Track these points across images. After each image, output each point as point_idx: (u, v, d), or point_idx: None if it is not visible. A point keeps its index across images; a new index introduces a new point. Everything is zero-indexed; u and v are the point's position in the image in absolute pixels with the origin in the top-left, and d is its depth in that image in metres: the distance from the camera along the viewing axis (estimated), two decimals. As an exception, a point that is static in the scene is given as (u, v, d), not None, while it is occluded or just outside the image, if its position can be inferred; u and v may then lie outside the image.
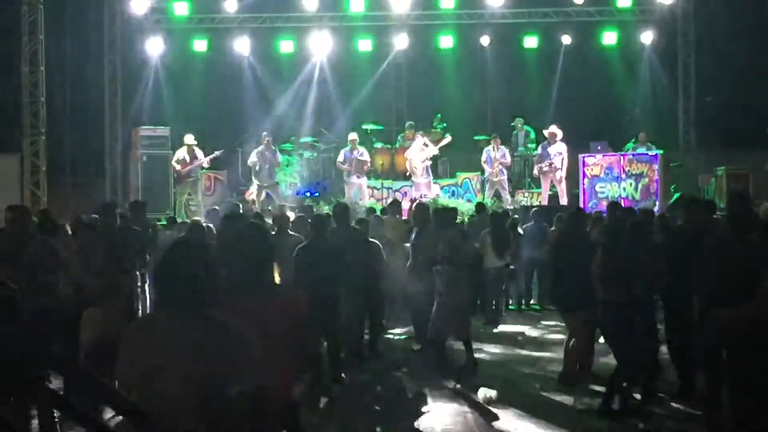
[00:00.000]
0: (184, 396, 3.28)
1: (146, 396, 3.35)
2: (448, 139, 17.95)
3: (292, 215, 11.93)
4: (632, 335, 7.30)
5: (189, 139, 17.03)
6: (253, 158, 17.12)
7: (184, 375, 3.29)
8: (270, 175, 17.20)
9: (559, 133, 16.96)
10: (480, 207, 14.10)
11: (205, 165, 17.32)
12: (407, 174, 17.57)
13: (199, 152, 17.05)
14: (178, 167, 16.98)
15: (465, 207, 15.93)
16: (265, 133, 17.39)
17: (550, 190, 17.22)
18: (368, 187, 17.50)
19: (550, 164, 16.84)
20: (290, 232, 9.43)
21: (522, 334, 11.53)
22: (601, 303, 7.40)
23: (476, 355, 9.45)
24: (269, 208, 15.80)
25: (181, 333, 3.35)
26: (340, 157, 17.41)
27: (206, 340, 3.35)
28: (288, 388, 4.22)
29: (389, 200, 17.34)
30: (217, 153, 17.43)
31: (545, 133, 17.15)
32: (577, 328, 8.44)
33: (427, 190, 17.11)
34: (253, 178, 17.26)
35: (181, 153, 17.05)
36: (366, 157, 17.35)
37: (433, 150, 17.26)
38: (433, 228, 9.65)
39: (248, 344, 3.45)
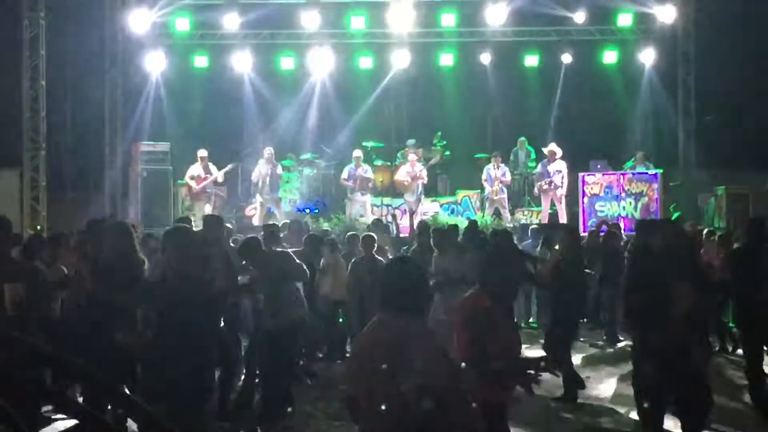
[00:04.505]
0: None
1: None
2: (436, 158, 18.00)
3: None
4: None
5: (202, 153, 16.96)
6: (255, 173, 17.06)
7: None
8: (272, 190, 17.13)
9: (559, 152, 16.98)
10: (472, 225, 13.57)
11: (219, 180, 17.15)
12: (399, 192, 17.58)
13: (212, 167, 16.95)
14: (192, 183, 16.78)
15: (464, 225, 15.78)
16: (267, 148, 17.28)
17: (550, 208, 17.20)
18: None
19: (550, 182, 16.84)
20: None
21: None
22: None
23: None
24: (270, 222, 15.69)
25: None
26: (344, 174, 17.41)
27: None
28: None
29: (388, 217, 17.33)
30: (230, 166, 17.36)
31: (545, 151, 17.16)
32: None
33: (415, 206, 17.02)
34: (257, 193, 17.20)
35: (196, 169, 16.90)
36: (370, 174, 17.37)
37: (420, 168, 17.25)
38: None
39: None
